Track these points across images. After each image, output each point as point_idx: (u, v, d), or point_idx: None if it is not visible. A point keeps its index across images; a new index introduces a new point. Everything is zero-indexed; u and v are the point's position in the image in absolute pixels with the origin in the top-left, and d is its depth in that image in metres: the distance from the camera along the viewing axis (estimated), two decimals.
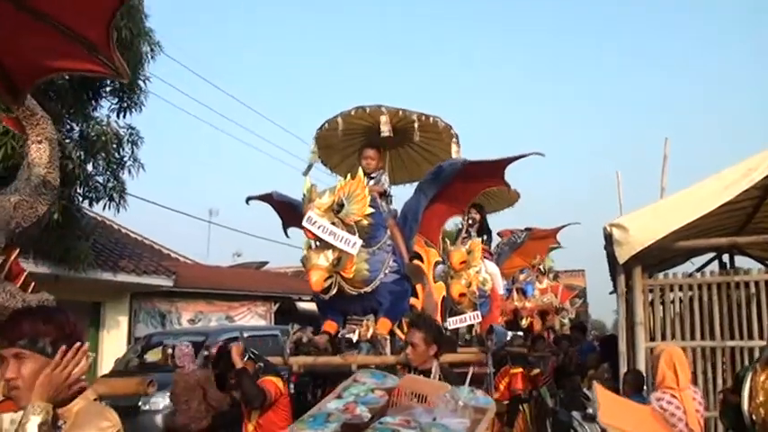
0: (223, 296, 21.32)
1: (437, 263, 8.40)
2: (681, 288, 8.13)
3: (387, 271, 6.92)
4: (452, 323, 9.14)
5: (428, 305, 7.81)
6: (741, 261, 10.35)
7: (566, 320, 17.14)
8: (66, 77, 12.71)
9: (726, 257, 10.40)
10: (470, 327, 9.49)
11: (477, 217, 11.18)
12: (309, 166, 7.81)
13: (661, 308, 8.55)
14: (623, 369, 7.81)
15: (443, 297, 8.44)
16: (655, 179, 9.28)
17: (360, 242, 6.47)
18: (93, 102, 13.86)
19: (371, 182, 7.66)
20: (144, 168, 14.30)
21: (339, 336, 6.92)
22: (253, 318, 22.90)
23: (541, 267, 16.09)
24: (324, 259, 6.47)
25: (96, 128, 13.30)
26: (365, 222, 6.64)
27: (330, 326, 7.01)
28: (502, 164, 7.38)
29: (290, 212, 7.79)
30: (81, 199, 13.81)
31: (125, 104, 14.12)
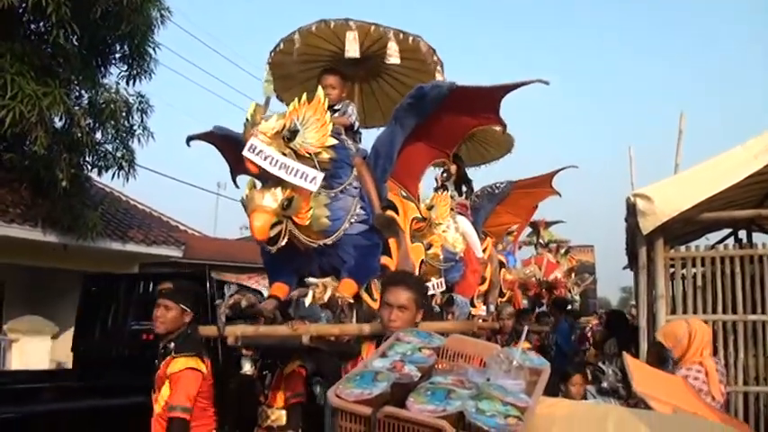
0: (232, 268, 19.13)
1: (416, 219, 6.54)
2: (703, 262, 7.50)
3: (352, 220, 5.11)
4: None
5: (403, 267, 5.78)
6: (758, 238, 9.21)
7: (573, 296, 15.71)
8: (75, 43, 12.13)
9: (743, 234, 9.53)
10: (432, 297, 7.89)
11: (453, 168, 9.10)
12: (267, 100, 6.29)
13: (681, 281, 7.87)
14: (643, 344, 7.14)
15: (422, 261, 6.61)
16: (667, 157, 8.76)
17: (320, 176, 4.68)
18: (102, 69, 13.02)
19: (336, 114, 5.81)
20: (154, 137, 13.54)
21: (290, 299, 5.40)
22: (261, 289, 21.27)
23: (542, 240, 14.56)
24: (271, 199, 4.65)
25: (105, 95, 12.49)
26: (325, 156, 4.84)
27: (280, 289, 5.21)
28: (497, 93, 5.44)
29: (237, 152, 6.09)
30: (90, 167, 13.01)
31: (135, 72, 13.23)
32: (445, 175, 8.86)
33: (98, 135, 12.84)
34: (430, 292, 7.39)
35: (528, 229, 14.19)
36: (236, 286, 5.05)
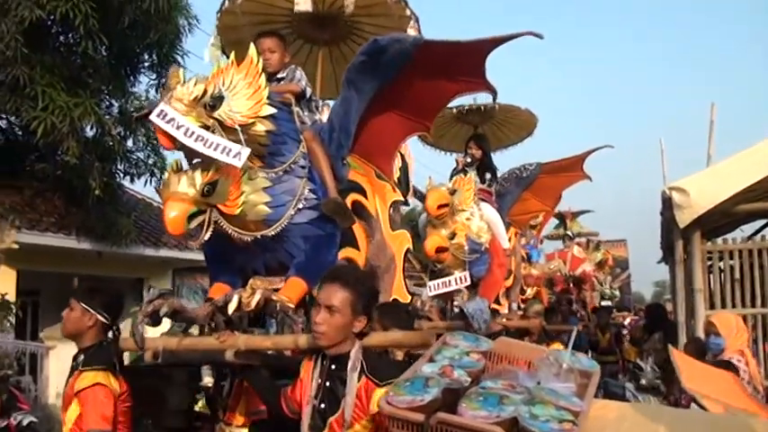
0: None
1: (395, 203, 5.14)
2: (740, 254, 6.78)
3: (299, 206, 3.83)
4: (433, 288, 6.08)
5: (377, 260, 4.59)
6: None
7: (606, 290, 13.98)
8: (104, 53, 11.42)
9: None
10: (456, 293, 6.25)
11: (478, 153, 7.48)
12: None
13: (719, 274, 7.06)
14: (682, 338, 6.50)
15: (407, 250, 5.19)
16: (699, 148, 8.18)
17: (247, 151, 3.41)
18: (131, 78, 12.24)
19: (282, 83, 4.44)
20: None
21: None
22: None
23: (569, 232, 12.81)
24: (188, 184, 3.42)
25: (135, 103, 11.72)
26: (260, 129, 3.61)
27: (220, 290, 3.91)
28: (479, 50, 4.07)
29: None
30: (122, 175, 12.31)
31: (163, 80, 12.03)
32: (468, 159, 7.36)
33: (129, 143, 12.07)
34: (452, 288, 6.09)
35: (553, 221, 12.45)
36: (156, 290, 3.77)
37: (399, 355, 4.04)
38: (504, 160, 8.13)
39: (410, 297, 5.12)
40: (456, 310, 6.27)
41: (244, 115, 3.59)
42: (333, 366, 2.88)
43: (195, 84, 3.54)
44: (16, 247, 10.95)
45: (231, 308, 3.56)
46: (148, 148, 12.23)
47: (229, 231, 3.64)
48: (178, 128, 3.41)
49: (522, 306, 7.88)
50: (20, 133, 12.02)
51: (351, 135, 4.14)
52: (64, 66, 10.80)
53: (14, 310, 10.80)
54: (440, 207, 6.05)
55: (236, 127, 3.52)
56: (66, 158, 10.71)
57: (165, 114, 3.42)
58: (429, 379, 2.55)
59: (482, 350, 2.94)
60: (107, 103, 11.86)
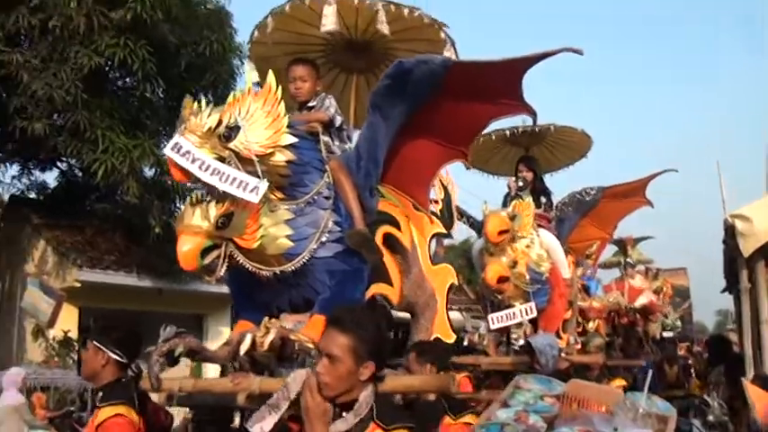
0: None
1: (436, 236, 4.74)
2: None
3: (323, 239, 3.50)
4: (496, 321, 5.67)
5: (415, 296, 4.22)
6: None
7: (668, 321, 13.12)
8: (161, 95, 11.64)
9: None
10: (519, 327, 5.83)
11: (529, 175, 6.92)
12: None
13: None
14: (750, 372, 5.90)
15: (450, 286, 4.74)
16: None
17: (265, 185, 3.14)
18: None
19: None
20: None
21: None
22: None
23: (630, 260, 12.07)
24: (201, 216, 3.16)
25: None
26: (280, 159, 3.32)
27: (242, 328, 3.60)
28: (515, 70, 3.72)
29: None
30: None
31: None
32: (521, 183, 6.85)
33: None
34: (517, 320, 5.66)
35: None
36: (172, 329, 3.51)
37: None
38: (554, 184, 7.58)
39: (454, 335, 4.73)
40: (514, 344, 5.83)
41: (262, 145, 3.32)
42: (343, 414, 2.55)
43: (209, 114, 3.30)
44: (78, 285, 11.06)
45: (243, 349, 3.27)
46: None
47: (246, 266, 3.36)
48: (194, 161, 3.15)
49: (581, 340, 7.35)
50: (80, 175, 12.19)
51: (379, 163, 3.82)
52: (123, 109, 10.94)
53: (77, 347, 10.80)
54: (500, 233, 5.63)
55: (253, 158, 3.26)
56: (127, 198, 10.80)
57: (180, 147, 3.17)
58: (505, 425, 2.51)
59: (556, 394, 2.84)
60: (164, 142, 11.57)
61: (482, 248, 5.95)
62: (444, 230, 4.79)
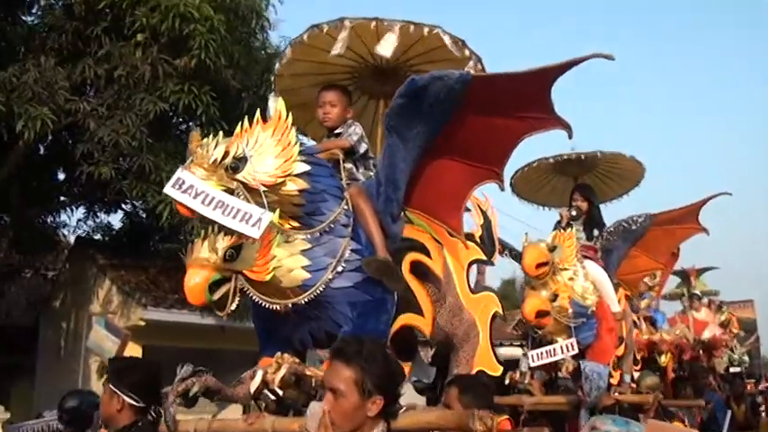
0: None
1: (475, 263, 4.46)
2: None
3: (339, 268, 3.27)
4: (535, 358, 5.28)
5: (452, 327, 3.95)
6: None
7: (735, 356, 12.20)
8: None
9: None
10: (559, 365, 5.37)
11: (584, 205, 6.46)
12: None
13: None
14: None
15: (494, 315, 4.42)
16: None
17: (268, 217, 2.94)
18: None
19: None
20: None
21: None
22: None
23: (695, 291, 11.26)
24: (209, 249, 2.99)
25: None
26: (292, 189, 3.14)
27: (265, 365, 3.29)
28: (542, 80, 3.43)
29: None
30: None
31: None
32: (574, 212, 6.41)
33: None
34: (558, 357, 5.29)
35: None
36: (189, 367, 3.32)
37: None
38: (607, 215, 7.00)
39: (501, 367, 4.40)
40: (562, 382, 5.43)
41: (270, 175, 3.13)
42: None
43: (216, 146, 3.13)
44: (143, 323, 11.06)
45: (252, 387, 3.06)
46: None
47: (257, 300, 3.16)
48: (196, 196, 2.98)
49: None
50: (145, 216, 12.28)
51: (400, 187, 3.55)
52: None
53: None
54: (539, 266, 5.25)
55: (260, 188, 3.07)
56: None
57: (183, 182, 3.00)
58: None
59: None
60: None
61: (523, 282, 5.61)
62: (483, 257, 4.48)
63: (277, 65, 4.34)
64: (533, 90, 3.50)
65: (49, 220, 12.75)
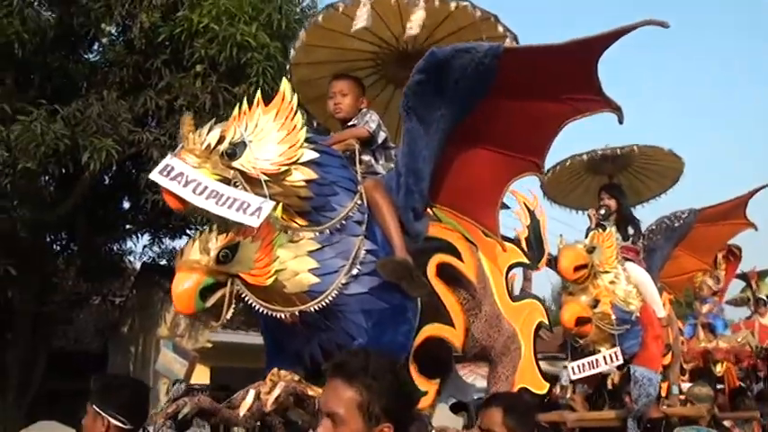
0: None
1: (516, 266, 3.89)
2: None
3: (354, 271, 2.79)
4: (577, 370, 4.73)
5: (488, 339, 3.40)
6: None
7: None
8: None
9: None
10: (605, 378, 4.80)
11: (612, 203, 5.79)
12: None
13: None
14: None
15: (539, 325, 3.83)
16: None
17: (269, 206, 2.51)
18: None
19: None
20: None
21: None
22: (476, 379, 18.74)
23: (762, 295, 10.12)
24: (200, 249, 2.56)
25: None
26: (297, 179, 2.68)
27: None
28: (588, 53, 2.90)
29: None
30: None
31: None
32: (602, 212, 5.75)
33: None
34: (600, 369, 4.70)
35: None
36: (182, 385, 2.88)
37: None
38: (644, 216, 6.26)
39: (547, 384, 3.82)
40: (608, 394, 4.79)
41: (273, 162, 2.69)
42: None
43: (210, 130, 2.72)
44: (210, 345, 10.88)
45: (243, 409, 2.59)
46: None
47: (257, 307, 2.71)
48: (186, 184, 2.56)
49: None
50: None
51: (423, 178, 3.04)
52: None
53: None
54: (577, 269, 4.71)
55: (261, 177, 2.64)
56: None
57: (171, 169, 2.59)
58: None
59: None
60: None
61: (559, 288, 5.03)
62: (525, 260, 3.91)
63: (292, 51, 3.88)
64: (576, 66, 2.98)
65: (115, 248, 12.72)
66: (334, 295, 2.76)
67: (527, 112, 3.12)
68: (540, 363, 3.83)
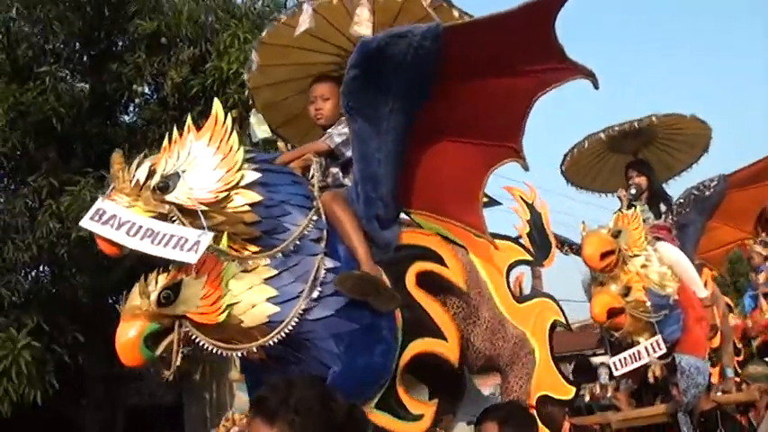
0: None
1: (516, 263, 3.46)
2: None
3: (315, 294, 2.48)
4: (618, 366, 4.25)
5: (493, 348, 3.05)
6: None
7: None
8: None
9: None
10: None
11: (642, 181, 5.26)
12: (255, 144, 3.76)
13: None
14: None
15: (552, 325, 3.42)
16: None
17: (208, 238, 2.24)
18: None
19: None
20: None
21: None
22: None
23: None
24: (140, 295, 2.30)
25: None
26: (239, 204, 2.41)
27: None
28: (538, 13, 2.51)
29: None
30: None
31: None
32: (633, 191, 5.22)
33: None
34: (642, 362, 4.24)
35: None
36: None
37: None
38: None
39: (573, 388, 3.40)
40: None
41: (210, 190, 2.43)
42: None
43: (138, 166, 2.49)
44: None
45: None
46: None
47: (211, 348, 2.44)
48: (119, 226, 2.32)
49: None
50: None
51: (382, 182, 2.70)
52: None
53: None
54: (603, 256, 4.20)
55: (197, 208, 2.38)
56: None
57: (103, 213, 2.35)
58: None
59: None
60: None
61: (589, 280, 4.56)
62: (528, 257, 3.51)
63: (245, 75, 3.63)
64: (530, 33, 2.61)
65: None
66: (294, 323, 2.46)
67: (489, 93, 2.77)
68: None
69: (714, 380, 4.62)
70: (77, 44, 10.43)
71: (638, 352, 4.17)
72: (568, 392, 3.31)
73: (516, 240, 3.54)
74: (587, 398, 4.33)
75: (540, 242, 3.66)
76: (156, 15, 10.33)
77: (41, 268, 10.00)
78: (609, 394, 4.63)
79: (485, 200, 3.18)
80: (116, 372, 11.56)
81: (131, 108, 11.22)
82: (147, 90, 11.00)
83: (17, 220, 9.02)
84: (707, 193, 5.11)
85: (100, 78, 10.22)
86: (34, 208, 9.43)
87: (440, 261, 2.87)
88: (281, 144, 3.46)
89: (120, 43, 10.81)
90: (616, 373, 4.35)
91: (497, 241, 3.22)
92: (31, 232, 9.09)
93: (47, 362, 9.11)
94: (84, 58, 10.64)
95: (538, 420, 2.84)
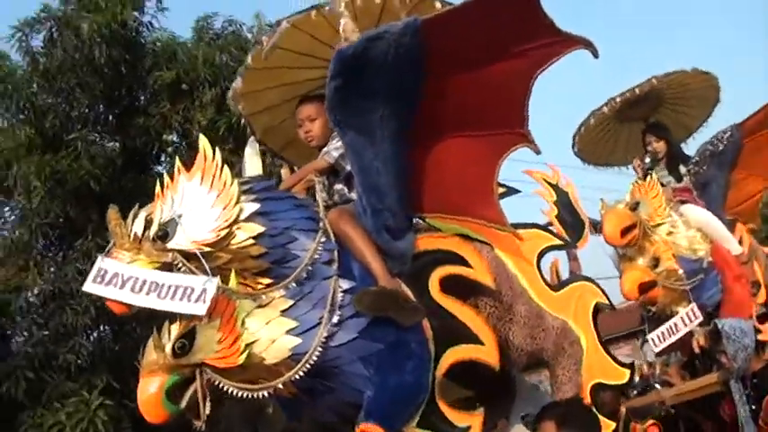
0: None
1: (546, 250, 3.25)
2: None
3: (336, 318, 2.36)
4: (658, 341, 3.96)
5: (534, 343, 2.90)
6: None
7: None
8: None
9: None
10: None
11: (660, 146, 4.97)
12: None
13: None
14: None
15: (595, 308, 3.23)
16: None
17: (214, 284, 2.13)
18: None
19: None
20: None
21: None
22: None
23: None
24: (155, 349, 2.20)
25: None
26: (243, 238, 2.31)
27: None
28: None
29: None
30: None
31: None
32: (649, 159, 4.97)
33: None
34: (679, 334, 3.97)
35: None
36: None
37: None
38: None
39: (627, 370, 3.19)
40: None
41: (211, 230, 2.33)
42: None
43: (134, 218, 2.40)
44: None
45: None
46: None
47: (236, 392, 2.32)
48: (123, 285, 2.24)
49: None
50: None
51: (386, 192, 2.55)
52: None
53: None
54: (624, 232, 3.98)
55: (198, 251, 2.28)
56: None
57: (105, 273, 2.26)
58: None
59: None
60: None
61: (616, 258, 4.31)
62: (557, 241, 3.32)
63: (232, 104, 3.53)
64: (517, 10, 2.45)
65: None
66: (318, 352, 2.33)
67: (484, 81, 2.60)
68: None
69: (764, 337, 4.28)
70: (101, 106, 10.52)
71: (675, 324, 3.90)
72: (622, 376, 3.11)
73: (543, 227, 3.33)
74: (637, 378, 4.06)
75: (570, 222, 3.46)
76: (173, 64, 10.38)
77: (102, 328, 10.10)
78: (657, 371, 4.35)
79: (502, 190, 3.01)
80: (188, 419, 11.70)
81: (163, 157, 11.30)
82: (175, 138, 11.05)
83: (71, 285, 9.12)
84: (721, 146, 4.72)
85: (128, 134, 10.31)
86: (85, 271, 9.54)
87: (462, 262, 2.71)
88: (283, 171, 3.34)
89: (143, 97, 10.90)
90: (656, 350, 4.07)
91: (522, 231, 3.03)
92: (87, 295, 9.21)
93: (122, 418, 9.16)
94: (110, 118, 10.75)
95: (599, 417, 2.63)
